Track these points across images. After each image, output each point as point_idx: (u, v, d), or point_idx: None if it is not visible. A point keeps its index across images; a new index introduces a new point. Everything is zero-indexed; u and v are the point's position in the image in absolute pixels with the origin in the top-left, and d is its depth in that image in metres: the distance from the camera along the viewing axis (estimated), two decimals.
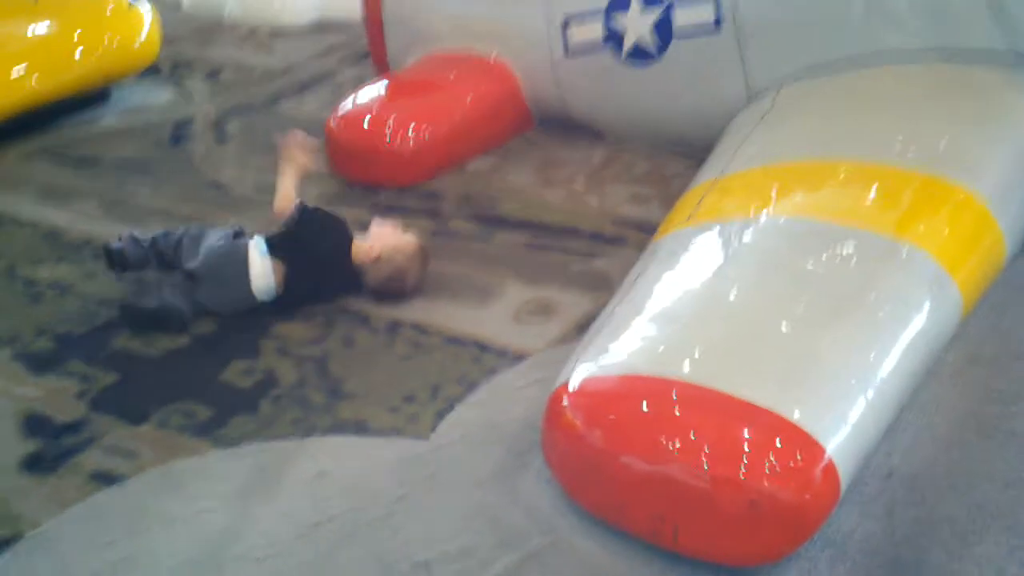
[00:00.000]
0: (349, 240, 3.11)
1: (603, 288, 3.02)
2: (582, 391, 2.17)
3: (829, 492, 1.93)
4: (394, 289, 3.05)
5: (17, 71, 4.60)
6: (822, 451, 1.91)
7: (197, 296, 3.02)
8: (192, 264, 3.04)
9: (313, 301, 3.08)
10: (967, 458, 2.24)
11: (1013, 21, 3.02)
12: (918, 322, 2.25)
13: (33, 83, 4.62)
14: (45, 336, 3.04)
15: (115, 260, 3.13)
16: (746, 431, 1.96)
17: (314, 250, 3.08)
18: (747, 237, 2.55)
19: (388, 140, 3.87)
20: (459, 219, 3.59)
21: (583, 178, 3.80)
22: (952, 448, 2.27)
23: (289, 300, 3.06)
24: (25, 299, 3.25)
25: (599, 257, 3.25)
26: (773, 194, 2.74)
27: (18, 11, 4.81)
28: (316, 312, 3.05)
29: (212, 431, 2.56)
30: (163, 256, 3.11)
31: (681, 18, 3.60)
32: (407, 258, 3.05)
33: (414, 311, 3.02)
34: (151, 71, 5.41)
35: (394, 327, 2.95)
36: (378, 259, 3.04)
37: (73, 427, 2.63)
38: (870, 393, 2.06)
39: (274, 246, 3.08)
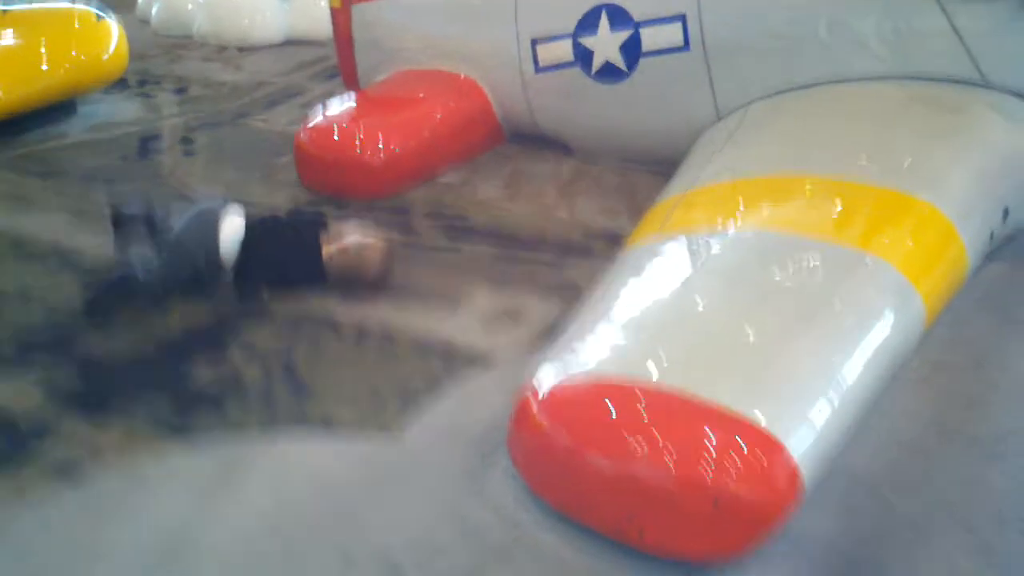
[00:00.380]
0: (320, 227, 3.23)
1: (571, 296, 3.02)
2: (550, 393, 2.18)
3: (791, 493, 1.94)
4: (357, 277, 3.16)
5: None
6: (786, 453, 1.93)
7: (166, 254, 3.05)
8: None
9: (273, 279, 3.14)
10: (929, 461, 2.27)
11: (977, 46, 3.09)
12: (882, 330, 2.27)
13: None
14: (8, 343, 3.00)
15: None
16: (710, 433, 1.97)
17: (285, 225, 3.25)
18: (715, 249, 2.58)
19: (358, 152, 3.88)
20: (429, 230, 3.60)
21: (553, 191, 3.84)
22: (914, 452, 2.30)
23: (249, 271, 3.12)
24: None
25: (568, 266, 3.27)
26: (741, 207, 2.78)
27: None
28: (281, 316, 3.04)
29: (176, 428, 2.54)
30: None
31: (649, 40, 3.65)
32: (371, 250, 3.18)
33: (382, 316, 3.02)
34: (119, 85, 5.43)
35: (362, 333, 2.94)
36: (345, 250, 3.15)
37: (36, 422, 2.59)
38: (834, 397, 2.08)
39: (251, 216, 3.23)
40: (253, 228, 3.18)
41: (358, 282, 3.15)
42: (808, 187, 2.81)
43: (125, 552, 2.14)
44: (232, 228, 3.13)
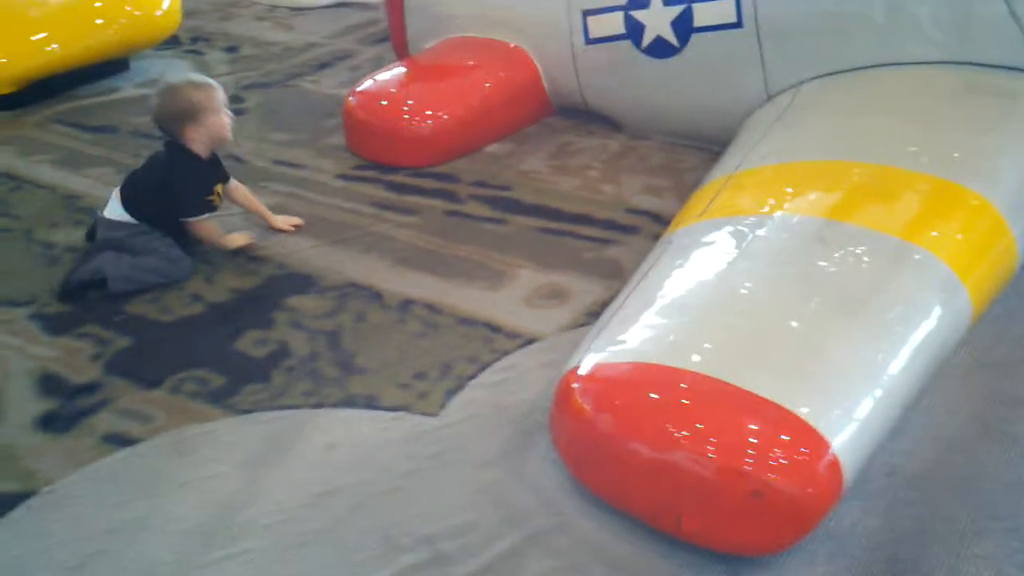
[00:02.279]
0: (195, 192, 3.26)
1: (615, 276, 3.05)
2: (592, 376, 2.20)
3: (832, 487, 1.95)
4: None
5: (38, 37, 4.64)
6: (827, 446, 1.94)
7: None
8: None
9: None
10: (970, 460, 2.27)
11: None
12: (927, 325, 2.26)
13: (53, 50, 4.66)
14: (62, 302, 3.07)
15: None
16: (752, 423, 1.98)
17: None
18: (760, 233, 2.57)
19: (406, 119, 3.89)
20: (474, 202, 3.61)
21: (599, 167, 3.83)
22: (956, 449, 2.30)
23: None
24: (42, 261, 3.29)
25: (612, 245, 3.27)
26: (788, 192, 2.77)
27: None
28: (329, 287, 3.08)
29: (224, 398, 2.59)
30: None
31: (701, 16, 3.61)
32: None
33: (427, 290, 3.05)
34: (171, 42, 5.45)
35: (406, 305, 2.98)
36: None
37: (88, 388, 2.66)
38: (877, 392, 2.08)
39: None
40: None
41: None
42: (857, 173, 2.78)
43: (172, 522, 2.20)
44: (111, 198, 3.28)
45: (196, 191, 3.21)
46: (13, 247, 3.42)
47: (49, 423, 2.53)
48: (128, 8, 4.90)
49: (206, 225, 3.25)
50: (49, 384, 2.68)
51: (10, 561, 2.11)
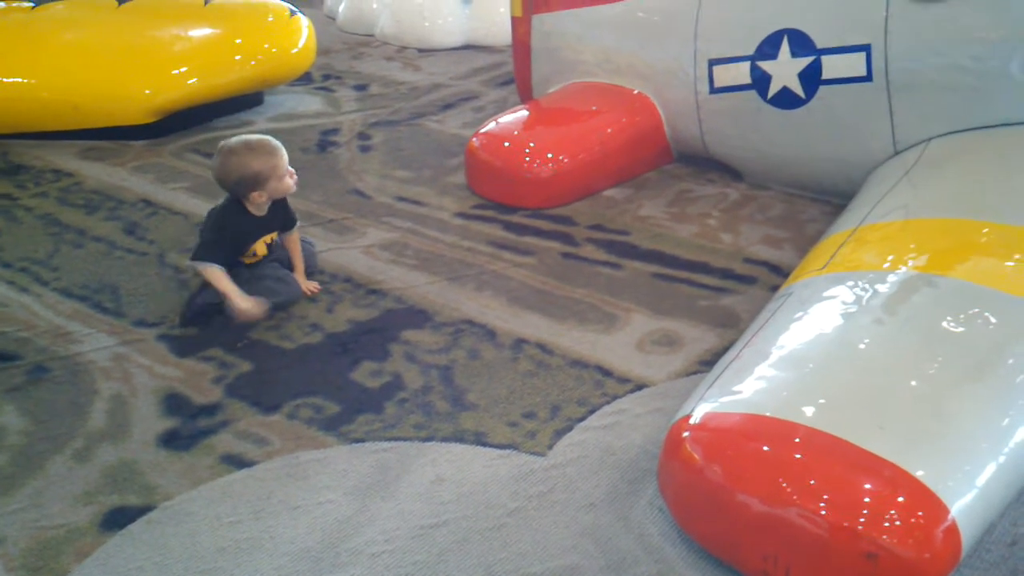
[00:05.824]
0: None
1: (730, 325, 3.03)
2: (703, 425, 2.18)
3: (950, 553, 1.89)
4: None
5: (179, 71, 4.86)
6: (946, 511, 1.88)
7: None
8: None
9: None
10: None
11: None
12: None
13: (193, 84, 4.87)
14: (189, 326, 3.19)
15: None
16: (868, 482, 1.93)
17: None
18: (882, 290, 2.52)
19: (527, 162, 3.95)
20: (590, 245, 3.63)
21: (717, 215, 3.81)
22: None
23: None
24: (173, 285, 3.42)
25: (728, 294, 3.25)
26: (913, 249, 2.71)
27: (187, 14, 5.09)
28: (444, 323, 3.13)
29: (338, 427, 2.65)
30: None
31: (830, 68, 3.57)
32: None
33: (540, 330, 3.07)
34: (304, 79, 5.65)
35: (519, 344, 3.00)
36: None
37: (209, 410, 2.75)
38: (1000, 458, 2.01)
39: None
40: None
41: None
42: (986, 233, 2.71)
43: (283, 544, 2.25)
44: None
45: (215, 241, 3.20)
46: (147, 270, 3.57)
47: (171, 441, 2.62)
48: (266, 46, 5.09)
49: (215, 274, 3.16)
50: (173, 403, 2.78)
51: (129, 572, 2.18)
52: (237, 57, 5.03)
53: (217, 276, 3.15)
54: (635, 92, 4.24)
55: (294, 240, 3.40)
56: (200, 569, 2.18)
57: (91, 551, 2.25)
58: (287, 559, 2.20)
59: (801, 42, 3.61)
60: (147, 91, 4.78)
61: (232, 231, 3.21)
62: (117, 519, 2.34)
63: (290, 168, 3.24)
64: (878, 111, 3.50)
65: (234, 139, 3.22)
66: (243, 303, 3.15)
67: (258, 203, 3.20)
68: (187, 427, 2.67)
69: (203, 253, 3.17)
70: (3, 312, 3.29)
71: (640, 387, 2.78)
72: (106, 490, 2.44)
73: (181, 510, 2.36)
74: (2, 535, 2.30)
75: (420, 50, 6.44)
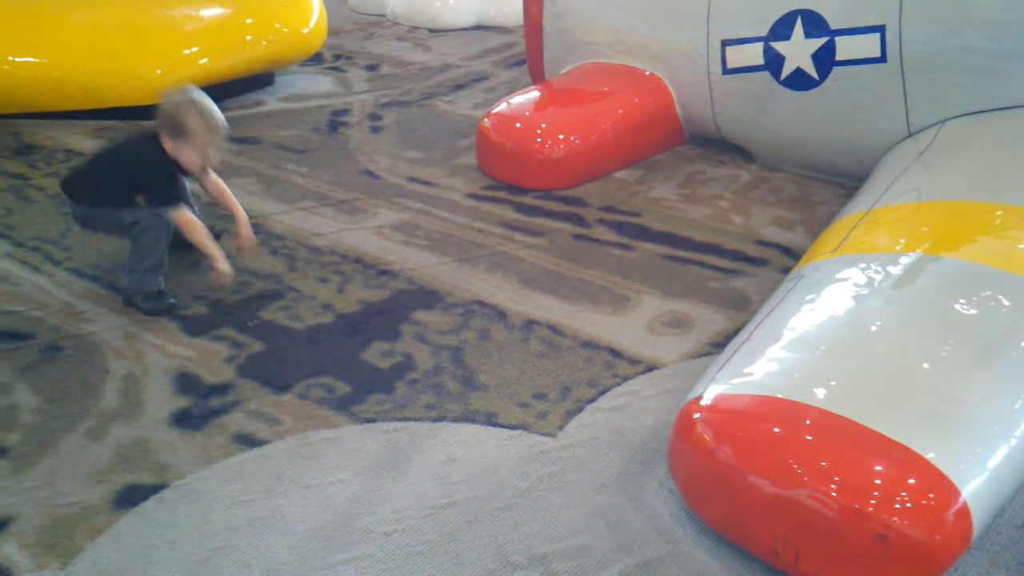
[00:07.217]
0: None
1: (741, 307, 3.03)
2: (714, 407, 2.18)
3: (960, 535, 1.89)
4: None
5: (190, 51, 4.85)
6: (957, 493, 1.88)
7: None
8: None
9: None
10: None
11: None
12: None
13: (204, 64, 4.86)
14: (201, 301, 3.20)
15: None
16: (879, 463, 1.93)
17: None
18: (894, 272, 2.52)
19: (538, 143, 3.94)
20: (601, 226, 3.63)
21: (729, 197, 3.81)
22: None
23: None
24: (185, 265, 3.42)
25: (739, 276, 3.24)
26: (925, 232, 2.70)
27: None
28: (454, 304, 3.13)
29: (349, 406, 2.66)
30: None
31: (844, 50, 3.55)
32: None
33: (550, 311, 3.07)
34: (315, 59, 5.65)
35: (530, 325, 3.01)
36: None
37: (221, 389, 2.76)
38: (1012, 440, 2.01)
39: None
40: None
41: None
42: (999, 215, 2.70)
43: (294, 524, 2.26)
44: None
45: (169, 175, 3.15)
46: None
47: (183, 420, 2.63)
48: (277, 25, 5.09)
49: (197, 229, 3.15)
50: (185, 383, 2.79)
51: (142, 549, 2.20)
52: (248, 37, 5.02)
53: (201, 234, 3.14)
54: (647, 73, 4.22)
55: (219, 186, 3.36)
56: (212, 547, 2.19)
57: (104, 529, 2.26)
58: (298, 538, 2.21)
59: (815, 23, 3.59)
60: (158, 71, 4.78)
61: (172, 168, 3.16)
62: (130, 497, 2.36)
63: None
64: (892, 93, 3.49)
65: (206, 97, 3.15)
66: (228, 267, 3.15)
67: (171, 151, 3.11)
68: (199, 406, 2.68)
69: (169, 199, 3.12)
70: (16, 291, 3.31)
71: (651, 368, 2.78)
72: (119, 468, 2.45)
73: (193, 489, 2.37)
74: (16, 513, 2.32)
75: (431, 30, 6.43)
